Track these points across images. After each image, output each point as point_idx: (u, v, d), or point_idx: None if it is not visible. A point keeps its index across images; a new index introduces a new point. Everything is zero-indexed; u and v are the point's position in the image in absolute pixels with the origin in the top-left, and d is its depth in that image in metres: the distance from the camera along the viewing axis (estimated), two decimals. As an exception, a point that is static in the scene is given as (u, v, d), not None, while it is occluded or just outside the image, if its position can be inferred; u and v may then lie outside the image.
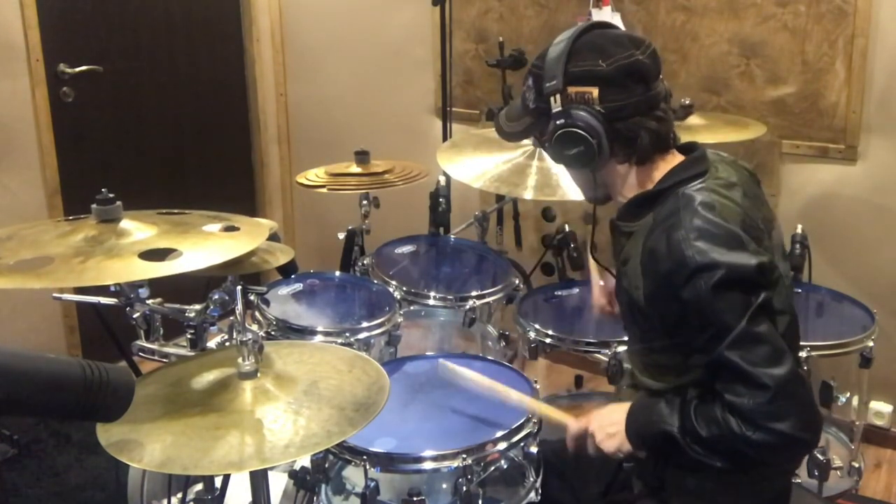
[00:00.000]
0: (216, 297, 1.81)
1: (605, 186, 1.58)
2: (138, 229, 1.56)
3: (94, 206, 1.56)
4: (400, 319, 2.18)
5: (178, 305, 1.83)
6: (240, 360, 1.39)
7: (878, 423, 2.93)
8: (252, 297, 1.90)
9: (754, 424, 1.33)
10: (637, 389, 1.65)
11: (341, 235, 2.61)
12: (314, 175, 2.56)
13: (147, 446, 1.26)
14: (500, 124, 1.68)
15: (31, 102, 3.10)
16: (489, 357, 2.09)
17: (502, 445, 1.64)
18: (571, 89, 1.47)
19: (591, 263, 2.04)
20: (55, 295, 1.97)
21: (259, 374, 1.40)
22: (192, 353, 1.82)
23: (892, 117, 2.71)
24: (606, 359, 2.10)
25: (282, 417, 1.32)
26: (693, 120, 2.66)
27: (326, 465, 1.66)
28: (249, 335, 1.38)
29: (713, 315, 1.36)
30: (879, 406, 2.92)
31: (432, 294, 2.31)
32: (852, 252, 2.85)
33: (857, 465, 2.40)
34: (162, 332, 1.91)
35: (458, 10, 3.24)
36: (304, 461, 1.66)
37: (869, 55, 2.68)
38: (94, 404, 1.12)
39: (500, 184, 2.36)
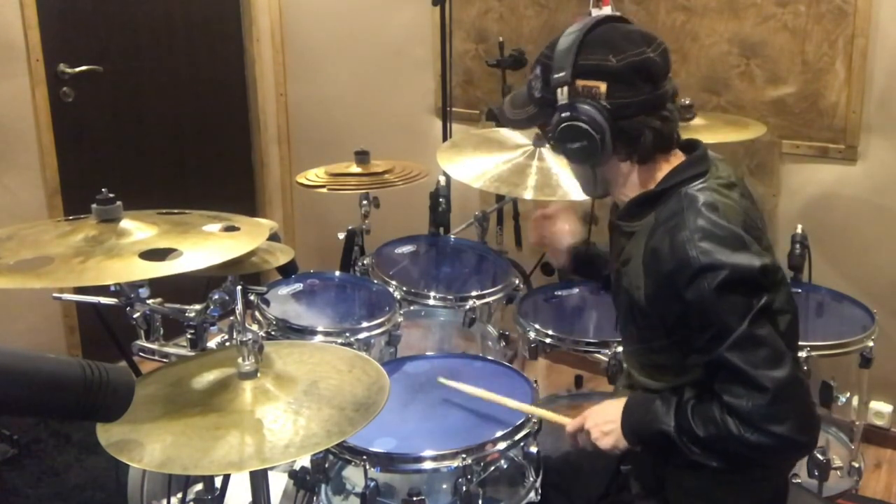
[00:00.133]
0: (216, 297, 1.81)
1: (605, 183, 1.57)
2: (138, 229, 1.56)
3: (94, 205, 1.56)
4: (400, 319, 2.18)
5: (178, 305, 1.83)
6: (240, 360, 1.39)
7: (878, 423, 2.93)
8: (252, 297, 1.90)
9: (752, 426, 1.33)
10: (634, 389, 1.65)
11: (341, 235, 2.61)
12: (314, 175, 2.56)
13: (147, 446, 1.26)
14: (503, 111, 1.66)
15: (31, 102, 3.10)
16: (489, 357, 2.09)
17: (502, 445, 1.64)
18: (579, 83, 1.46)
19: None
20: (55, 295, 1.97)
21: (259, 374, 1.40)
22: (192, 353, 1.82)
23: (892, 117, 2.71)
24: (606, 359, 2.11)
25: (282, 417, 1.32)
26: (693, 120, 2.66)
27: (326, 465, 1.66)
28: (249, 335, 1.39)
29: (715, 316, 1.36)
30: (879, 406, 2.92)
31: (432, 294, 2.31)
32: (852, 252, 2.85)
33: (857, 465, 2.40)
34: (162, 332, 1.91)
35: (458, 10, 3.24)
36: (304, 461, 1.66)
37: (869, 55, 2.68)
38: (94, 404, 1.12)
39: (500, 184, 2.36)
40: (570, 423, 1.61)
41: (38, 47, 3.09)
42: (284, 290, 2.28)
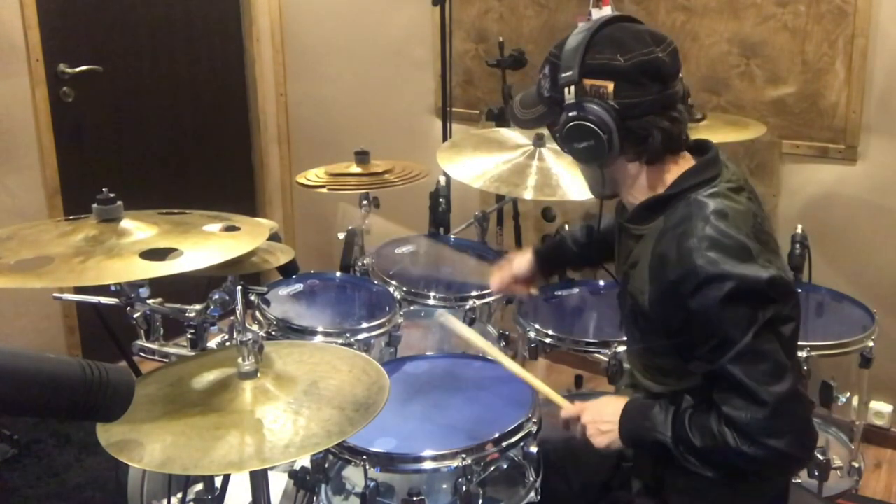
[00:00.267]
0: (216, 297, 1.81)
1: (613, 183, 1.55)
2: (139, 229, 1.56)
3: (94, 205, 1.57)
4: (400, 319, 2.18)
5: (178, 305, 1.83)
6: (240, 360, 1.39)
7: (878, 423, 2.93)
8: (252, 297, 1.90)
9: (750, 439, 1.33)
10: (636, 389, 1.64)
11: (341, 235, 2.61)
12: (314, 175, 2.56)
13: (147, 446, 1.26)
14: (513, 110, 1.65)
15: (31, 102, 3.10)
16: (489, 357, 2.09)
17: (502, 445, 1.64)
18: (587, 82, 1.45)
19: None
20: (55, 295, 1.97)
21: (259, 374, 1.40)
22: (193, 353, 1.83)
23: (892, 117, 2.70)
24: (606, 359, 2.10)
25: (282, 417, 1.32)
26: (702, 122, 2.66)
27: (326, 465, 1.66)
28: (249, 335, 1.38)
29: (719, 327, 1.35)
30: (879, 406, 2.92)
31: (432, 294, 2.30)
32: (852, 252, 2.85)
33: (857, 465, 2.40)
34: (162, 332, 1.91)
35: (458, 10, 3.24)
36: (304, 461, 1.66)
37: (869, 55, 2.68)
38: (94, 404, 1.12)
39: (500, 184, 2.36)
40: (566, 407, 1.61)
41: (38, 47, 3.09)
42: (285, 291, 2.28)
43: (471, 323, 2.29)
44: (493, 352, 1.77)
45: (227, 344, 1.99)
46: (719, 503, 1.55)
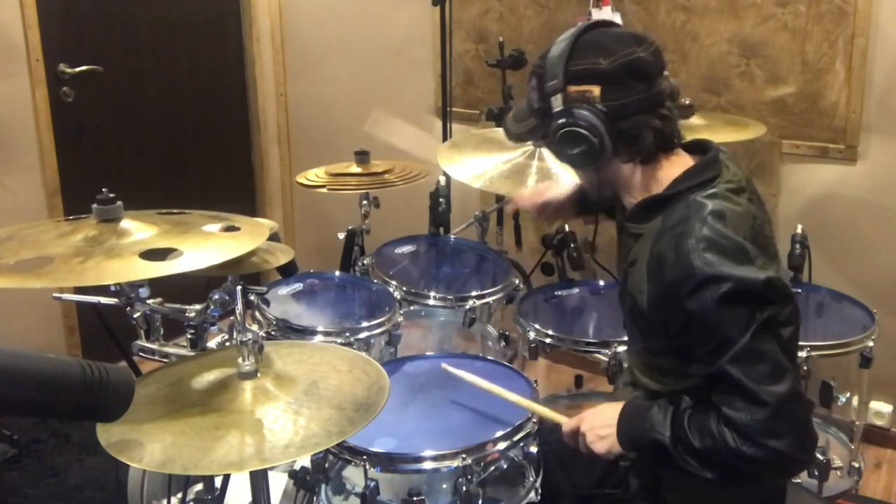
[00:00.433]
0: (216, 297, 1.81)
1: (610, 185, 1.56)
2: (138, 229, 1.56)
3: (94, 205, 1.56)
4: (400, 319, 2.18)
5: (178, 305, 1.83)
6: (240, 360, 1.39)
7: (878, 423, 2.93)
8: (252, 297, 1.90)
9: (750, 440, 1.33)
10: (635, 388, 1.64)
11: (341, 235, 2.61)
12: (314, 175, 2.56)
13: (147, 446, 1.26)
14: (507, 125, 1.66)
15: (31, 102, 3.10)
16: (489, 357, 2.09)
17: (502, 445, 1.64)
18: (572, 88, 1.46)
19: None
20: (55, 295, 1.97)
21: (259, 374, 1.40)
22: (192, 353, 1.82)
23: (892, 117, 2.70)
24: (606, 359, 2.11)
25: (282, 417, 1.32)
26: (693, 120, 2.66)
27: (326, 465, 1.66)
28: (249, 335, 1.38)
29: (717, 328, 1.35)
30: (879, 406, 2.92)
31: (432, 294, 2.31)
32: (852, 252, 2.85)
33: (857, 465, 2.40)
34: (162, 332, 1.91)
35: (458, 10, 3.24)
36: (304, 461, 1.66)
37: (869, 55, 2.68)
38: (94, 404, 1.12)
39: (500, 184, 2.36)
40: (566, 423, 1.61)
41: (38, 47, 3.09)
42: (284, 290, 2.28)
43: (471, 323, 2.30)
44: (495, 389, 1.76)
45: (227, 344, 1.98)
46: (717, 502, 1.55)
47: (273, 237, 1.85)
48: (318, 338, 2.05)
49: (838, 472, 2.33)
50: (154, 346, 1.90)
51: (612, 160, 1.50)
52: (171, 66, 3.61)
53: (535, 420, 1.70)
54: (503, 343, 2.40)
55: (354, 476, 1.71)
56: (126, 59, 3.43)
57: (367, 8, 3.67)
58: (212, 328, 1.88)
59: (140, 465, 1.26)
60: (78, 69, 3.23)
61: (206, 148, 3.80)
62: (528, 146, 2.44)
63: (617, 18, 2.98)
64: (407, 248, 2.60)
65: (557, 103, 1.47)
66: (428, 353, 2.06)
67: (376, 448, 1.60)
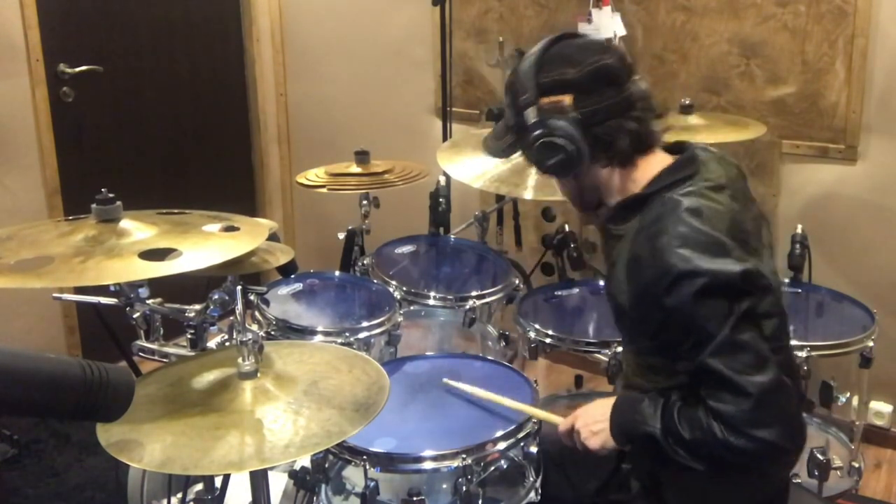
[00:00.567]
0: (216, 297, 1.81)
1: (591, 191, 1.58)
2: (138, 229, 1.56)
3: (94, 206, 1.56)
4: (400, 319, 2.18)
5: (178, 305, 1.83)
6: (240, 360, 1.39)
7: (878, 423, 2.93)
8: (252, 297, 1.90)
9: (737, 431, 1.33)
10: (629, 388, 1.64)
11: (341, 235, 2.61)
12: (314, 175, 2.56)
13: (147, 446, 1.26)
14: (487, 144, 1.69)
15: (31, 102, 3.10)
16: (489, 357, 2.09)
17: (502, 445, 1.64)
18: (544, 100, 1.49)
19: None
20: (55, 295, 1.97)
21: (259, 374, 1.40)
22: (192, 353, 1.82)
23: (892, 117, 2.70)
24: (606, 359, 2.11)
25: (282, 417, 1.32)
26: (693, 120, 2.66)
27: (326, 465, 1.66)
28: (249, 335, 1.38)
29: (696, 322, 1.36)
30: (879, 406, 2.92)
31: (432, 294, 2.31)
32: (852, 252, 2.85)
33: (857, 465, 2.39)
34: (162, 332, 1.91)
35: (458, 10, 3.24)
36: (304, 461, 1.66)
37: (869, 55, 2.68)
38: (94, 404, 1.12)
39: (500, 184, 2.36)
40: (562, 423, 1.62)
41: (38, 47, 3.09)
42: (284, 290, 2.28)
43: (471, 323, 2.30)
44: (495, 398, 1.76)
45: (227, 344, 1.98)
46: (718, 503, 1.55)
47: (273, 237, 1.85)
48: (318, 338, 2.05)
49: (838, 472, 2.33)
50: (154, 346, 1.90)
51: (591, 166, 1.52)
52: (171, 66, 3.61)
53: (535, 420, 1.70)
54: (503, 343, 2.40)
55: (354, 476, 1.71)
56: (126, 59, 3.43)
57: (367, 8, 3.67)
58: (212, 328, 1.88)
59: (140, 465, 1.26)
60: (78, 69, 3.23)
61: (206, 148, 3.80)
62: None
63: (617, 19, 2.98)
64: (407, 248, 2.60)
65: (531, 116, 1.50)
66: (428, 353, 2.06)
67: (376, 448, 1.60)
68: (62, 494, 2.68)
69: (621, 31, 2.99)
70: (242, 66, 3.92)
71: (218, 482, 1.69)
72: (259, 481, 1.48)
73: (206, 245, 1.55)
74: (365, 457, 1.59)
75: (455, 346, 2.45)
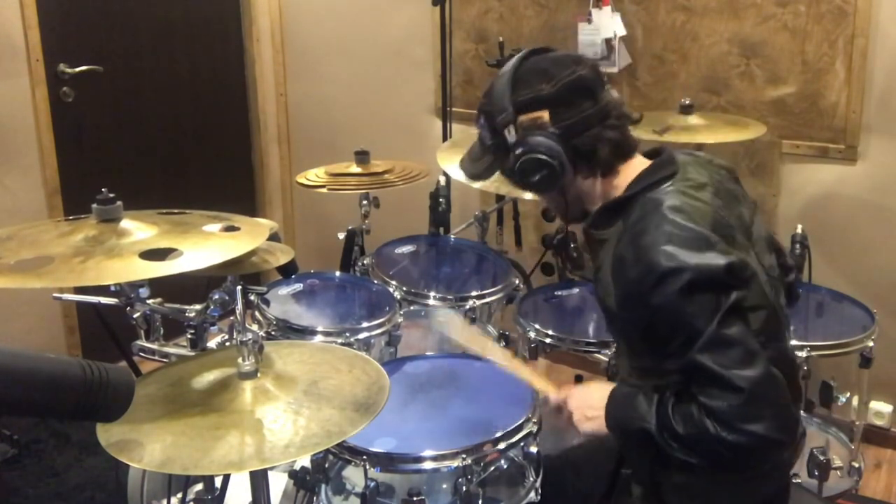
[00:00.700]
0: (216, 297, 1.81)
1: (578, 203, 1.59)
2: (138, 229, 1.56)
3: (94, 205, 1.56)
4: (400, 319, 2.18)
5: (178, 305, 1.83)
6: (240, 360, 1.39)
7: (878, 423, 2.93)
8: (252, 297, 1.90)
9: (729, 426, 1.33)
10: None
11: (341, 235, 2.61)
12: (314, 175, 2.56)
13: (147, 446, 1.26)
14: (465, 167, 1.69)
15: (31, 102, 3.10)
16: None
17: (502, 445, 1.64)
18: (523, 117, 1.50)
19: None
20: (55, 295, 1.97)
21: (259, 374, 1.40)
22: (192, 353, 1.83)
23: (892, 117, 2.70)
24: (606, 359, 2.11)
25: (282, 417, 1.32)
26: (693, 120, 2.66)
27: (326, 465, 1.66)
28: (249, 335, 1.38)
29: (683, 319, 1.36)
30: (879, 406, 2.92)
31: (432, 294, 2.31)
32: (852, 252, 2.85)
33: (857, 465, 2.40)
34: (162, 332, 1.91)
35: (458, 10, 3.24)
36: (304, 461, 1.66)
37: (869, 55, 2.68)
38: (94, 404, 1.12)
39: (500, 184, 2.34)
40: (552, 395, 1.62)
41: (38, 47, 3.09)
42: (284, 290, 2.28)
43: (471, 323, 2.29)
44: (486, 350, 1.77)
45: (227, 344, 1.98)
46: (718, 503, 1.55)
47: (273, 237, 1.85)
48: (318, 338, 2.05)
49: (838, 472, 2.33)
50: (154, 346, 1.90)
51: (574, 178, 1.54)
52: (171, 66, 3.61)
53: (535, 420, 1.70)
54: (503, 343, 2.40)
55: (354, 476, 1.71)
56: (126, 59, 3.43)
57: (367, 8, 3.67)
58: (212, 328, 1.88)
59: (140, 465, 1.26)
60: (78, 69, 3.23)
61: (206, 148, 3.80)
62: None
63: (617, 19, 2.98)
64: (407, 248, 2.60)
65: (511, 135, 1.51)
66: (428, 353, 2.06)
67: (376, 448, 1.60)
68: (62, 494, 2.68)
69: (621, 31, 3.00)
70: (242, 66, 3.92)
71: (218, 482, 1.69)
72: (259, 481, 1.48)
73: (207, 245, 1.55)
74: (365, 457, 1.59)
75: (455, 347, 2.45)
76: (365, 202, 2.56)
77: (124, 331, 1.96)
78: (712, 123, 2.68)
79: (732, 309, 1.36)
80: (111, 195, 1.57)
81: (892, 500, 2.70)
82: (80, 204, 1.72)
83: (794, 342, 2.14)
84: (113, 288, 1.81)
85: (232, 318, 1.77)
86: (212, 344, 1.95)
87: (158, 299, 1.84)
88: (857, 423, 2.45)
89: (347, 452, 1.61)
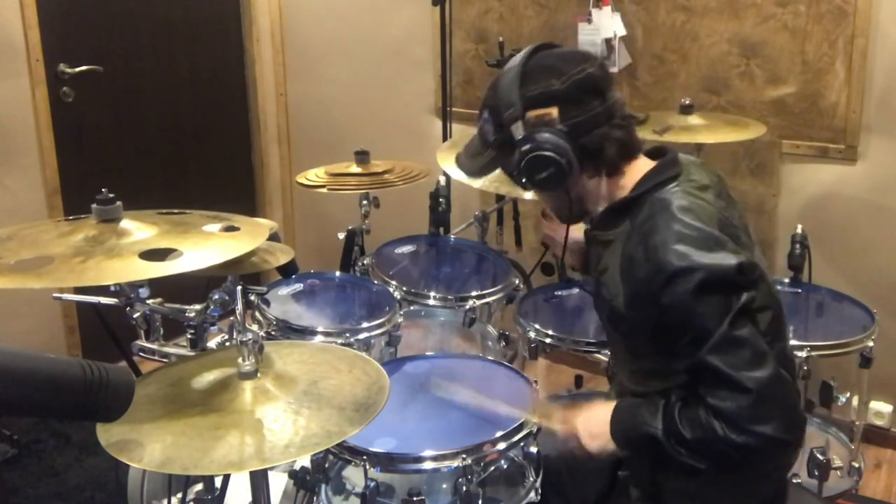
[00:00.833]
0: (216, 297, 1.81)
1: (579, 202, 1.58)
2: (138, 229, 1.56)
3: (94, 206, 1.56)
4: (400, 319, 2.18)
5: (178, 305, 1.83)
6: (240, 360, 1.39)
7: (878, 423, 2.93)
8: (252, 297, 1.90)
9: (738, 428, 1.33)
10: (625, 395, 1.64)
11: (341, 235, 2.61)
12: (314, 175, 2.56)
13: (147, 446, 1.26)
14: (462, 163, 1.66)
15: (31, 102, 3.10)
16: (489, 357, 2.09)
17: (502, 445, 1.64)
18: (531, 113, 1.48)
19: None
20: (55, 295, 1.97)
21: (259, 374, 1.40)
22: (192, 353, 1.82)
23: (892, 117, 2.71)
24: (606, 359, 2.11)
25: (282, 417, 1.32)
26: (693, 120, 2.66)
27: (326, 465, 1.66)
28: (249, 335, 1.38)
29: (693, 319, 1.36)
30: (879, 406, 2.92)
31: (432, 294, 2.31)
32: (852, 252, 2.85)
33: (857, 465, 2.40)
34: (162, 332, 1.91)
35: (458, 10, 3.24)
36: (304, 461, 1.66)
37: (869, 55, 2.68)
38: (94, 404, 1.12)
39: (500, 184, 2.36)
40: (561, 430, 1.61)
41: (38, 47, 3.09)
42: (284, 291, 2.28)
43: (471, 323, 2.30)
44: (484, 402, 1.75)
45: (227, 344, 1.98)
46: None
47: (273, 237, 1.85)
48: (318, 338, 2.05)
49: (838, 472, 2.33)
50: (154, 346, 1.90)
51: (580, 177, 1.52)
52: (171, 66, 3.61)
53: (534, 420, 1.70)
54: (503, 343, 2.40)
55: (354, 476, 1.71)
56: (126, 59, 3.43)
57: (367, 8, 3.67)
58: (212, 328, 1.88)
59: (140, 465, 1.26)
60: (78, 69, 3.24)
61: (206, 148, 3.81)
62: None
63: (617, 19, 2.99)
64: (407, 248, 2.60)
65: (518, 131, 1.49)
66: (428, 354, 2.06)
67: (376, 448, 1.60)
68: (62, 494, 2.68)
69: (621, 31, 3.00)
70: (242, 66, 3.92)
71: (218, 482, 1.69)
72: (259, 481, 1.48)
73: (207, 245, 1.55)
74: (365, 457, 1.59)
75: (455, 347, 2.45)
76: (365, 202, 2.56)
77: (124, 331, 1.96)
78: (712, 123, 2.68)
79: (743, 310, 1.36)
80: (111, 195, 1.57)
81: (892, 500, 2.70)
82: (80, 204, 1.72)
83: (794, 342, 2.14)
84: (113, 288, 1.81)
85: (232, 318, 1.77)
86: (212, 344, 1.95)
87: (158, 299, 1.84)
88: (857, 423, 2.45)
89: (347, 452, 1.61)
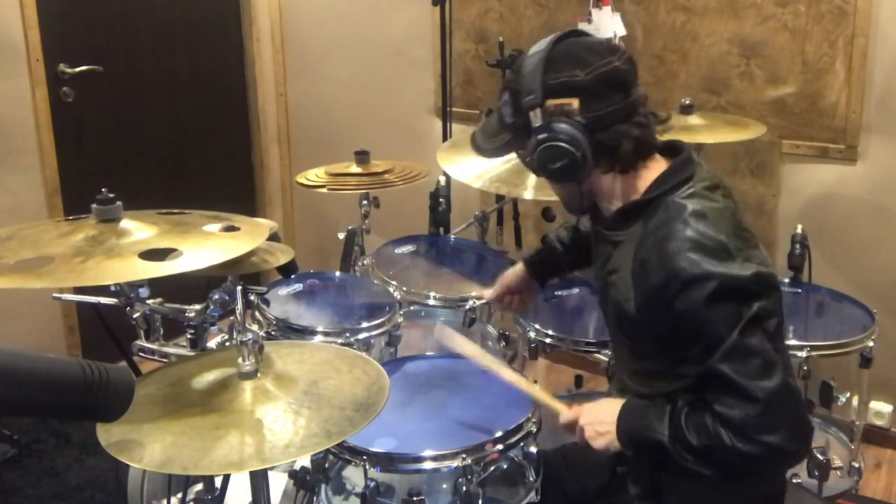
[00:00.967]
0: (216, 297, 1.81)
1: (589, 196, 1.56)
2: (138, 229, 1.56)
3: (94, 205, 1.56)
4: (400, 319, 2.18)
5: (178, 305, 1.83)
6: (240, 360, 1.39)
7: (878, 423, 2.93)
8: (252, 297, 1.89)
9: (745, 437, 1.33)
10: (625, 394, 1.64)
11: (341, 235, 2.61)
12: (314, 175, 2.56)
13: (147, 446, 1.26)
14: (476, 142, 1.64)
15: (31, 102, 3.10)
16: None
17: (502, 445, 1.64)
18: (551, 102, 1.45)
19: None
20: (55, 295, 1.97)
21: (259, 374, 1.40)
22: (192, 353, 1.82)
23: (892, 117, 2.70)
24: (606, 359, 2.11)
25: (282, 417, 1.32)
26: (693, 120, 2.66)
27: (326, 465, 1.66)
28: (249, 335, 1.38)
29: (705, 327, 1.35)
30: (879, 406, 2.92)
31: (432, 294, 2.30)
32: (852, 252, 2.85)
33: (857, 465, 2.40)
34: (162, 332, 1.91)
35: (458, 10, 3.24)
36: (304, 461, 1.66)
37: (869, 55, 2.68)
38: (94, 404, 1.12)
39: (500, 184, 2.36)
40: (564, 413, 1.61)
41: (38, 47, 3.09)
42: (284, 290, 2.28)
43: (471, 323, 2.29)
44: (491, 363, 1.75)
45: (227, 344, 1.98)
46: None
47: (273, 237, 1.85)
48: (318, 338, 2.05)
49: (838, 472, 2.33)
50: (154, 346, 1.90)
51: (593, 171, 1.49)
52: (171, 66, 3.61)
53: (535, 420, 1.70)
54: (503, 343, 2.40)
55: (354, 476, 1.71)
56: (126, 59, 3.43)
57: (367, 8, 3.67)
58: (212, 328, 1.88)
59: (140, 465, 1.26)
60: (78, 69, 3.23)
61: (206, 148, 3.80)
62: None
63: (617, 19, 2.98)
64: (407, 248, 2.60)
65: (536, 118, 1.46)
66: (428, 353, 2.06)
67: (376, 448, 1.60)
68: (62, 494, 2.68)
69: (621, 31, 2.99)
70: (242, 66, 3.92)
71: (218, 482, 1.69)
72: (259, 481, 1.48)
73: (207, 245, 1.55)
74: (365, 457, 1.59)
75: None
76: (365, 202, 2.56)
77: (124, 331, 1.96)
78: (712, 123, 2.68)
79: (754, 318, 1.35)
80: (111, 195, 1.57)
81: (892, 500, 2.70)
82: (80, 204, 1.72)
83: (794, 342, 2.15)
84: (113, 288, 1.81)
85: (232, 318, 1.77)
86: (212, 344, 1.95)
87: (158, 299, 1.84)
88: (857, 423, 2.45)
89: (347, 452, 1.61)
